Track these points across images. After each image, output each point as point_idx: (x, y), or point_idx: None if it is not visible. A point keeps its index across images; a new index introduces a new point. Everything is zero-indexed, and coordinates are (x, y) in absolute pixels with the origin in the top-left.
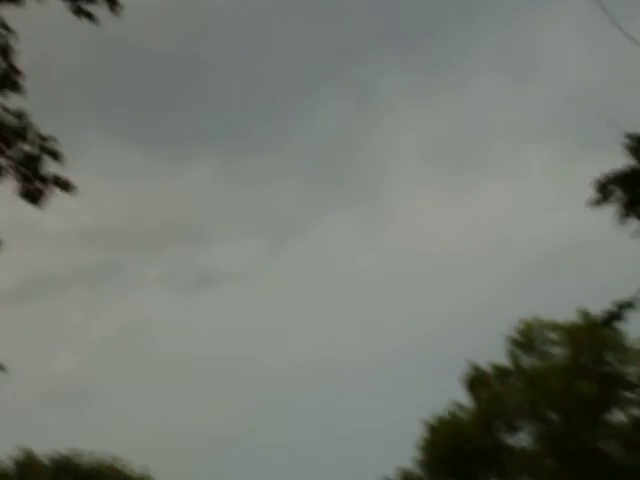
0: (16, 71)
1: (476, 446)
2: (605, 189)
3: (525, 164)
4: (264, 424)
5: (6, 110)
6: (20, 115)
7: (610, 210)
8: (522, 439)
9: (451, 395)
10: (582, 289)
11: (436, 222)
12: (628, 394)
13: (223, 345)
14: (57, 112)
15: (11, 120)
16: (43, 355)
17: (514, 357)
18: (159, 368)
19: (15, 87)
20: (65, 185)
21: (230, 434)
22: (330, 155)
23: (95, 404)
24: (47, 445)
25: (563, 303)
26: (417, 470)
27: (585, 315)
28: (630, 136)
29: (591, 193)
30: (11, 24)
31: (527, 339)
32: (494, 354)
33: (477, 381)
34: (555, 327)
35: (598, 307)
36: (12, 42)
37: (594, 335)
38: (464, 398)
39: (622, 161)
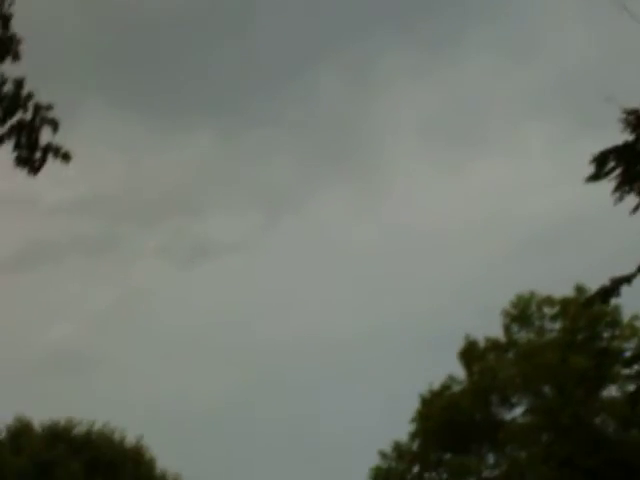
0: (14, 38)
1: (469, 419)
2: (604, 164)
3: (524, 141)
4: (261, 396)
5: (4, 78)
6: (18, 83)
7: (609, 186)
8: (516, 413)
9: (448, 369)
10: (580, 265)
11: (433, 198)
12: (623, 370)
13: (220, 316)
14: (56, 81)
15: (9, 88)
16: (40, 324)
17: (509, 331)
18: (156, 338)
19: (13, 54)
20: (63, 154)
21: (226, 406)
22: (328, 130)
23: (92, 373)
24: (43, 413)
25: (560, 278)
26: (411, 442)
27: (581, 290)
28: (628, 111)
29: (590, 169)
30: None
31: (523, 313)
32: (491, 328)
33: (471, 355)
34: (551, 302)
35: (595, 283)
36: (10, 8)
37: (590, 310)
38: (460, 372)
39: (621, 137)
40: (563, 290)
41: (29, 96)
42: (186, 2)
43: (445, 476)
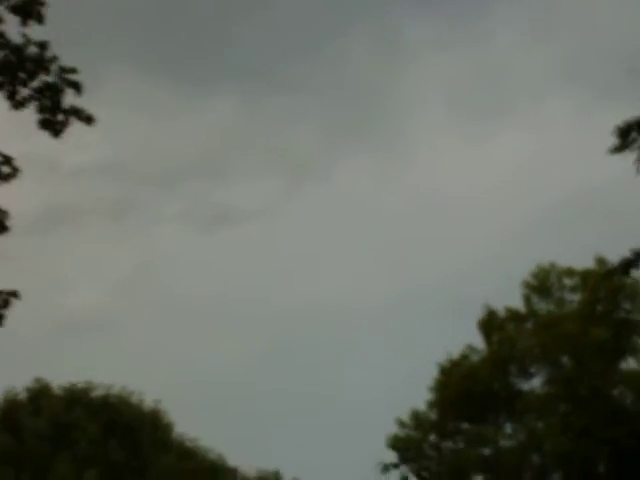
0: (39, 1)
1: (488, 389)
2: (626, 136)
3: (547, 113)
4: (279, 364)
5: (28, 40)
6: (42, 46)
7: (630, 157)
8: (534, 383)
9: (469, 339)
10: (600, 236)
11: (457, 168)
12: None
13: (240, 282)
14: (79, 44)
15: (33, 50)
16: (61, 287)
17: (529, 302)
18: (176, 303)
19: (38, 17)
20: (85, 117)
21: (245, 372)
22: (354, 99)
23: (111, 337)
24: (62, 377)
25: (581, 250)
26: (429, 411)
27: (602, 262)
28: None
29: (612, 140)
30: None
31: (543, 284)
32: (511, 298)
33: (491, 325)
34: (571, 273)
35: (616, 254)
36: None
37: (610, 282)
38: (479, 342)
39: None
40: (583, 262)
41: (53, 59)
42: None
43: (462, 445)
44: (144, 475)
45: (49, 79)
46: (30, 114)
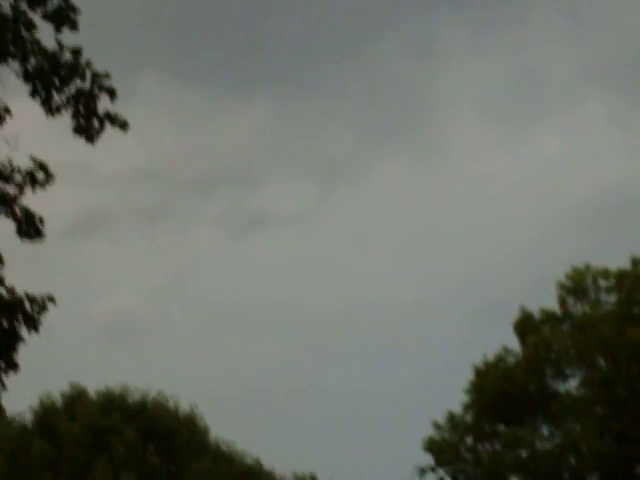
0: (72, 7)
1: (523, 391)
2: None
3: (584, 112)
4: (314, 367)
5: (61, 46)
6: (75, 52)
7: None
8: (570, 385)
9: (503, 340)
10: (636, 236)
11: (492, 170)
12: None
13: (275, 287)
14: (112, 49)
15: (66, 56)
16: (96, 292)
17: (564, 303)
18: (211, 308)
19: (71, 23)
20: (119, 122)
21: (280, 376)
22: (388, 103)
23: (146, 342)
24: (98, 382)
25: (616, 250)
26: (465, 414)
27: (637, 263)
28: None
29: None
30: None
31: (578, 286)
32: (545, 298)
33: (526, 326)
34: (607, 274)
35: None
36: None
37: None
38: (514, 343)
39: None
40: (619, 262)
41: (87, 64)
42: None
43: (499, 447)
44: (180, 479)
45: (83, 85)
46: (65, 120)
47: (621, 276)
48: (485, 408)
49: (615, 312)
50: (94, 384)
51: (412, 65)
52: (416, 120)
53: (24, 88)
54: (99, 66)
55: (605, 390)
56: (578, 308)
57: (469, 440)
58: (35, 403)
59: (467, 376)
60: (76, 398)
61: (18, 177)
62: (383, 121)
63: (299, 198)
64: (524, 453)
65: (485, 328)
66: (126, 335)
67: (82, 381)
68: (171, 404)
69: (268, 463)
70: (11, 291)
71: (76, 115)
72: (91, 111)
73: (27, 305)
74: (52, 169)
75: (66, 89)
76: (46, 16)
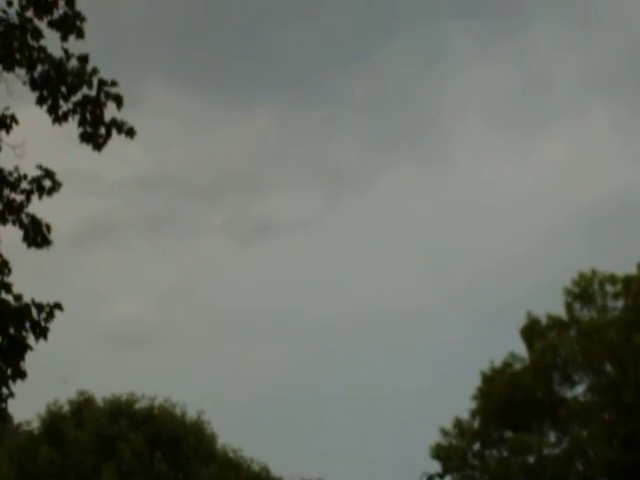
0: (78, 15)
1: (531, 396)
2: None
3: (590, 118)
4: (322, 373)
5: (68, 54)
6: (82, 59)
7: None
8: (577, 391)
9: (510, 346)
10: None
11: (496, 179)
12: None
13: (281, 293)
14: (119, 57)
15: (73, 64)
16: (103, 299)
17: (571, 309)
18: (216, 316)
19: (77, 31)
20: (126, 129)
21: (287, 383)
22: (393, 110)
23: (153, 349)
24: (106, 389)
25: (622, 256)
26: (472, 420)
27: None
28: None
29: None
30: None
31: (585, 292)
32: (552, 304)
33: (533, 332)
34: (613, 280)
35: None
36: None
37: None
38: (521, 349)
39: None
40: (625, 268)
41: (93, 72)
42: None
43: (506, 453)
44: None
45: (90, 93)
46: (71, 128)
47: (628, 281)
48: (492, 414)
49: (622, 318)
50: (101, 391)
51: (418, 73)
52: (422, 128)
53: (31, 96)
54: (106, 74)
55: (612, 396)
56: (585, 314)
57: (476, 446)
58: (42, 410)
59: (474, 382)
60: (83, 405)
61: (25, 185)
62: (389, 129)
63: (304, 205)
64: (531, 459)
65: (492, 334)
66: (133, 342)
67: (90, 388)
68: (178, 411)
69: (276, 470)
70: (18, 298)
71: (83, 123)
72: (98, 119)
73: (34, 312)
74: (59, 177)
75: (73, 97)
76: (52, 24)
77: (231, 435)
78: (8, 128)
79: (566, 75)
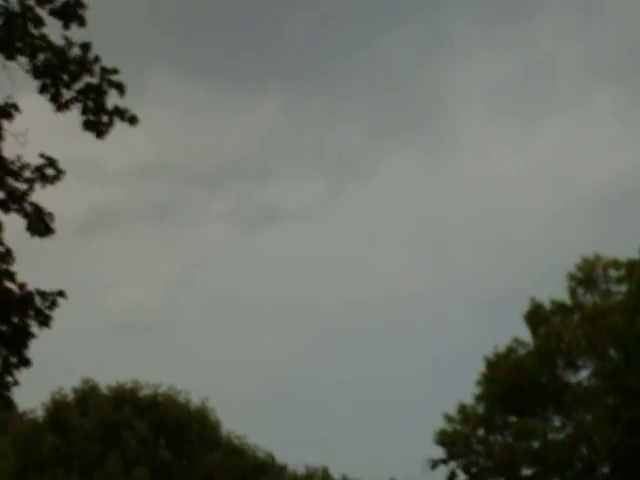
0: (79, 3)
1: (535, 382)
2: None
3: (592, 104)
4: (326, 359)
5: (70, 42)
6: (84, 47)
7: None
8: (581, 376)
9: (514, 331)
10: None
11: (499, 165)
12: None
13: (284, 282)
14: (121, 45)
15: (75, 52)
16: (106, 288)
17: (575, 294)
18: (220, 303)
19: (78, 19)
20: (128, 117)
21: (291, 369)
22: (397, 98)
23: (157, 337)
24: (110, 376)
25: (626, 241)
26: (476, 405)
27: None
28: None
29: None
30: None
31: (588, 277)
32: (555, 289)
33: (537, 317)
34: (617, 264)
35: None
36: None
37: None
38: (525, 334)
39: None
40: (629, 252)
41: (95, 60)
42: None
43: (510, 439)
44: (193, 473)
45: (92, 80)
46: (74, 116)
47: (631, 266)
48: (496, 399)
49: (625, 302)
50: (105, 379)
51: (421, 60)
52: (424, 115)
53: (33, 84)
54: (107, 62)
55: (616, 380)
56: (588, 298)
57: (480, 432)
58: (47, 399)
59: (478, 368)
60: (88, 393)
61: (28, 173)
62: (392, 116)
63: (308, 193)
64: (536, 444)
65: (495, 319)
66: (136, 330)
67: (94, 375)
68: (182, 398)
69: (281, 457)
70: (22, 287)
71: (85, 110)
72: (100, 106)
73: (38, 300)
74: (61, 165)
75: (75, 85)
76: (54, 12)
77: (235, 422)
78: (11, 117)
79: (568, 62)
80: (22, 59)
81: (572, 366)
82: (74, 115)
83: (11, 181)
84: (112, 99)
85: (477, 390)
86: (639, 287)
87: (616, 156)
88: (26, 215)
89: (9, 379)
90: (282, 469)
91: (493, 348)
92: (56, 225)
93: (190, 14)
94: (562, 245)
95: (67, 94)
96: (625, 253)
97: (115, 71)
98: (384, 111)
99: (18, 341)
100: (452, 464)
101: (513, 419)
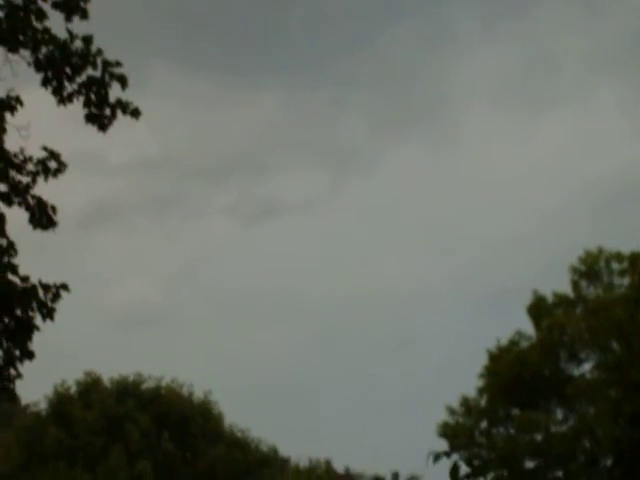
0: None
1: (538, 374)
2: None
3: (595, 98)
4: (327, 352)
5: (72, 35)
6: (86, 40)
7: None
8: (584, 368)
9: (517, 324)
10: None
11: (502, 160)
12: None
13: (286, 275)
14: (123, 38)
15: (77, 45)
16: (109, 281)
17: (577, 287)
18: (222, 296)
19: (81, 12)
20: (131, 110)
21: (293, 363)
22: (399, 91)
23: (159, 330)
24: (113, 369)
25: (628, 234)
26: (479, 398)
27: None
28: None
29: None
30: None
31: (591, 269)
32: (561, 283)
33: (540, 310)
34: (620, 257)
35: None
36: None
37: None
38: (528, 327)
39: None
40: (632, 245)
41: (98, 53)
42: None
43: (513, 431)
44: (196, 466)
45: (95, 73)
46: (76, 109)
47: (634, 259)
48: (499, 392)
49: (628, 295)
50: (108, 372)
51: (424, 53)
52: (427, 109)
53: (35, 77)
54: (110, 56)
55: (618, 373)
56: (591, 291)
57: (483, 424)
58: (50, 391)
59: (481, 360)
60: (90, 386)
61: (30, 166)
62: (395, 109)
63: (310, 187)
64: (538, 436)
65: (498, 312)
66: (139, 323)
67: (97, 369)
68: (185, 391)
69: (284, 450)
70: (25, 279)
71: (87, 103)
72: (102, 99)
73: (41, 293)
74: (64, 158)
75: (77, 78)
76: (56, 5)
77: (238, 415)
78: (13, 109)
79: (571, 57)
80: (25, 52)
81: (575, 359)
82: (76, 108)
83: (14, 174)
84: (114, 92)
85: (480, 383)
86: None
87: (619, 150)
88: (29, 208)
89: (12, 372)
90: (285, 462)
91: (496, 341)
92: (58, 218)
93: (192, 8)
94: (565, 238)
95: (70, 87)
96: (628, 246)
97: (117, 64)
98: (386, 105)
99: (21, 334)
100: (455, 456)
101: (516, 412)
